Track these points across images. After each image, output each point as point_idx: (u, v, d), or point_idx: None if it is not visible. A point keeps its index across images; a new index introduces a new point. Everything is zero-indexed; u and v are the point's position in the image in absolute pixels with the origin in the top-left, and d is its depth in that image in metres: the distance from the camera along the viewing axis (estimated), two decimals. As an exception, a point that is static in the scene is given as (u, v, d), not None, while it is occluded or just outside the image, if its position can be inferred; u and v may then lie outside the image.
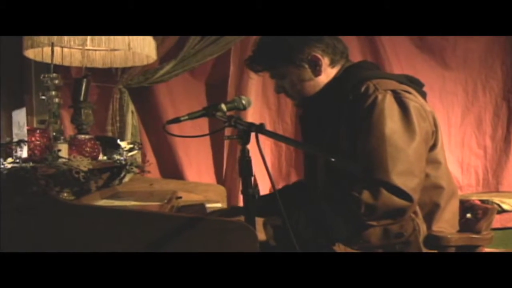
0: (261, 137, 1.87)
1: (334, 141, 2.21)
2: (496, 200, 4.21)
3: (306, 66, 2.30)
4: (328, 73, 2.33)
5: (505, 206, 4.23)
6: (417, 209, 2.16)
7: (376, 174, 2.07)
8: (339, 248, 2.13)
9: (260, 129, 1.87)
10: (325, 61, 2.31)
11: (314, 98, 2.34)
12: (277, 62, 2.32)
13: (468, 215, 2.38)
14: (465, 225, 2.33)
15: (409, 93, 2.19)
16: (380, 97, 2.14)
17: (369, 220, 2.08)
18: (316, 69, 2.31)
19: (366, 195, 2.04)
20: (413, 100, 2.17)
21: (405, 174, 2.05)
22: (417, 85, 2.34)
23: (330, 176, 2.23)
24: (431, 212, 2.19)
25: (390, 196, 2.03)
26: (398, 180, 2.03)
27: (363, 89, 2.19)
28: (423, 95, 2.33)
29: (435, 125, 2.24)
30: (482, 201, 2.52)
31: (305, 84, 2.33)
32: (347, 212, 2.09)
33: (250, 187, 1.87)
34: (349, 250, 2.13)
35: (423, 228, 2.16)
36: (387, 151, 2.07)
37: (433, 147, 2.22)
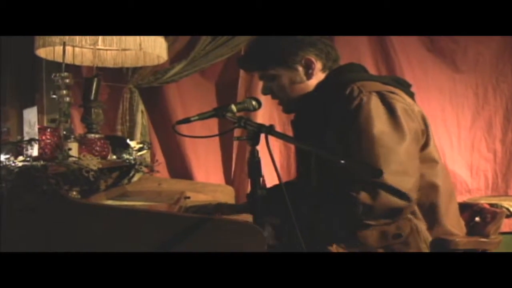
0: (271, 138, 1.87)
1: (323, 145, 2.20)
2: (505, 204, 4.19)
3: (300, 68, 2.32)
4: (318, 78, 2.34)
5: (514, 210, 4.21)
6: (416, 209, 2.16)
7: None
8: (338, 251, 2.13)
9: (270, 130, 1.87)
10: (317, 65, 2.33)
11: (303, 103, 2.35)
12: (270, 63, 2.33)
13: (477, 219, 2.38)
14: (474, 229, 2.33)
15: (394, 93, 2.19)
16: (365, 99, 2.14)
17: (367, 220, 2.08)
18: (309, 73, 2.32)
19: (363, 196, 2.04)
20: (399, 100, 2.17)
21: (399, 174, 2.04)
22: (404, 86, 2.34)
23: (323, 176, 2.23)
24: (430, 211, 2.19)
25: (388, 196, 2.03)
26: (393, 180, 2.02)
27: (347, 92, 2.19)
28: (411, 95, 2.33)
29: (425, 124, 2.24)
30: (491, 205, 2.51)
31: (295, 87, 2.34)
32: (344, 213, 2.10)
33: (259, 188, 1.87)
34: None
35: (422, 228, 2.15)
36: (378, 152, 2.07)
37: (425, 146, 2.22)
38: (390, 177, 2.02)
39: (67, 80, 2.70)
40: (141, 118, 4.47)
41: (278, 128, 2.00)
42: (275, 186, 2.35)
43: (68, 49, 3.23)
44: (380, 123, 2.10)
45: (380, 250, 2.13)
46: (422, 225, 2.16)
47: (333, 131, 2.18)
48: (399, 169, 2.05)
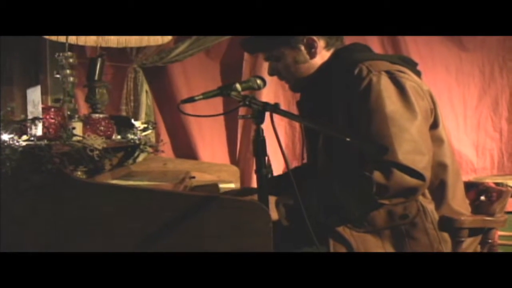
0: (276, 117, 1.86)
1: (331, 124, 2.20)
2: (511, 183, 4.18)
3: (302, 48, 2.30)
4: (323, 56, 2.32)
5: (519, 189, 4.21)
6: (425, 189, 2.15)
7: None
8: (345, 231, 2.13)
9: (274, 108, 1.86)
10: (320, 43, 2.30)
11: (308, 83, 2.34)
12: (273, 43, 2.31)
13: (482, 198, 2.37)
14: (479, 208, 2.33)
15: (403, 72, 2.18)
16: (374, 79, 2.12)
17: (381, 199, 2.07)
18: (312, 52, 2.30)
19: (377, 175, 2.02)
20: (409, 79, 2.15)
21: (412, 153, 2.03)
22: (411, 65, 2.32)
23: (329, 156, 2.22)
24: (439, 191, 2.18)
25: (402, 175, 2.01)
26: (406, 160, 2.01)
27: (356, 72, 2.17)
28: (418, 74, 2.31)
29: (433, 102, 2.22)
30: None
31: (299, 66, 2.32)
32: (358, 192, 2.09)
33: (264, 167, 1.87)
34: (354, 233, 2.12)
35: (429, 208, 2.15)
36: (391, 131, 2.04)
37: (434, 125, 2.21)
38: (403, 156, 2.01)
39: (71, 60, 2.70)
40: (146, 98, 4.47)
41: (283, 107, 1.98)
42: (294, 169, 2.36)
43: (72, 28, 3.22)
44: (391, 102, 2.09)
45: (387, 231, 2.13)
46: (430, 206, 2.15)
47: (341, 112, 2.17)
48: (412, 148, 2.04)
